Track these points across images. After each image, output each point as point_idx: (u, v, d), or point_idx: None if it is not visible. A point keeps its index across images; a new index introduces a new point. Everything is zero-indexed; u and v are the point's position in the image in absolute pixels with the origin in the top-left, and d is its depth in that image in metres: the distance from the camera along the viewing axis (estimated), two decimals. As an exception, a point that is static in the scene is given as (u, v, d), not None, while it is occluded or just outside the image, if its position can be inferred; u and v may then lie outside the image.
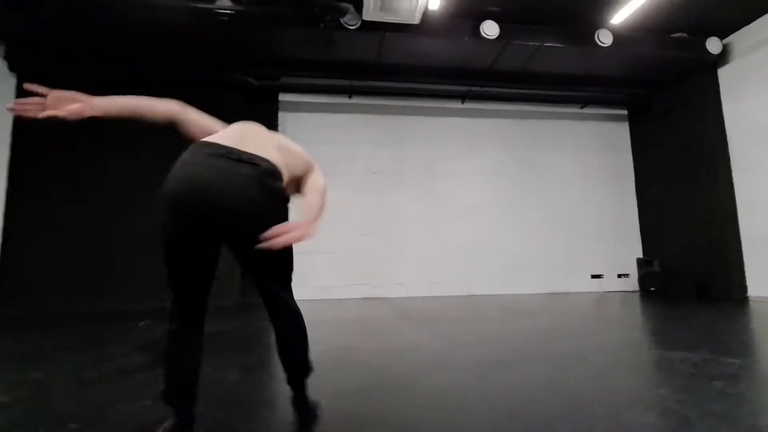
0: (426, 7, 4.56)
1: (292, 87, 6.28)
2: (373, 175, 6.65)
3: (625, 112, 7.51)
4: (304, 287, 6.15)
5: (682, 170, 6.50)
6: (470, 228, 6.85)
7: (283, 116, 6.54)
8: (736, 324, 3.78)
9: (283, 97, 6.49)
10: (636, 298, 6.09)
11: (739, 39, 5.82)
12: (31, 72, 5.42)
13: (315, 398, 1.55)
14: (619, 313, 4.86)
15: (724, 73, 6.04)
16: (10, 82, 5.41)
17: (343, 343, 3.10)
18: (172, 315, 1.32)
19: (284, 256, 1.37)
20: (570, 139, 7.36)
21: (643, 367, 2.36)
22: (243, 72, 5.79)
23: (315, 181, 1.52)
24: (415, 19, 4.76)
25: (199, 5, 4.48)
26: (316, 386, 1.59)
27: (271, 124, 6.28)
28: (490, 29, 5.17)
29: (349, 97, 6.49)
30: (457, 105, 6.82)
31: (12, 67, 5.38)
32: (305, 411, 1.52)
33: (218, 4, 4.53)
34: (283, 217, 1.34)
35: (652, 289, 6.41)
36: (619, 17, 4.91)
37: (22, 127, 5.47)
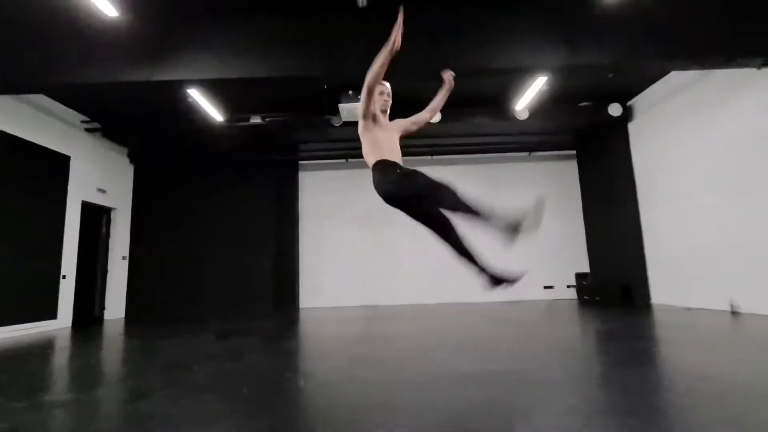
0: (382, 112, 6.87)
1: (306, 156, 8.87)
2: (370, 214, 9.01)
3: (574, 152, 9.21)
4: (320, 297, 8.70)
5: (607, 202, 8.15)
6: (446, 251, 8.94)
7: (302, 175, 9.17)
8: (624, 319, 5.62)
9: (301, 162, 9.12)
10: (574, 305, 7.83)
11: (640, 101, 7.45)
12: (143, 163, 8.55)
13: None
14: (539, 311, 6.74)
15: (632, 127, 7.67)
16: (130, 169, 8.56)
17: (360, 330, 5.46)
18: None
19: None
20: (527, 177, 9.22)
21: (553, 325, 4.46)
22: (271, 152, 8.51)
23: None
24: (378, 118, 7.08)
25: (240, 124, 7.17)
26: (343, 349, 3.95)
27: (293, 181, 9.00)
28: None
29: (346, 160, 8.94)
30: (428, 158, 9.00)
31: (132, 161, 8.51)
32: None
33: (251, 121, 7.20)
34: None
35: (585, 297, 8.09)
36: (520, 104, 6.85)
37: (139, 186, 8.58)
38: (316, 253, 9.01)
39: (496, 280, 2.25)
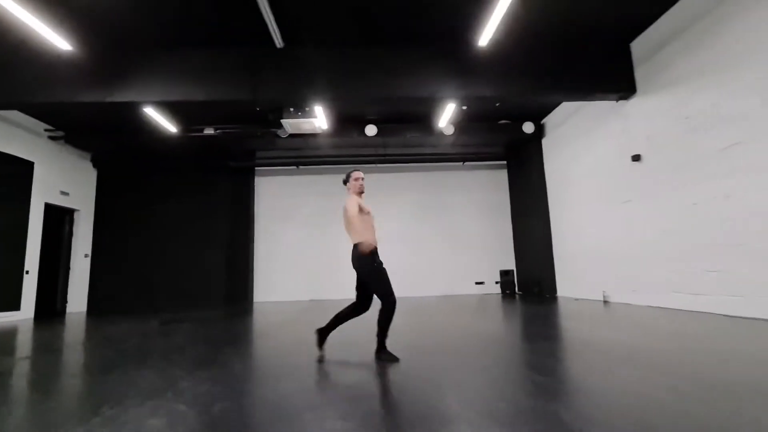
0: (321, 126, 7.76)
1: (261, 163, 9.70)
2: (318, 216, 9.90)
3: (505, 162, 10.29)
4: (272, 292, 9.51)
5: (528, 208, 9.26)
6: (389, 250, 9.85)
7: (258, 180, 9.98)
8: (529, 307, 6.63)
9: (257, 168, 9.93)
10: (498, 298, 8.87)
11: (549, 120, 8.56)
12: (106, 167, 9.20)
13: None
14: (463, 300, 7.73)
15: (545, 142, 8.78)
16: (93, 173, 9.20)
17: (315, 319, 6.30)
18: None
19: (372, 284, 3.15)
20: (462, 184, 10.26)
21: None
22: (228, 159, 9.30)
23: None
24: (319, 131, 7.97)
25: (195, 134, 7.94)
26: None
27: (249, 185, 9.77)
28: (370, 131, 8.30)
29: (297, 167, 9.80)
30: (373, 166, 9.93)
31: (95, 166, 9.16)
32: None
33: (205, 132, 7.98)
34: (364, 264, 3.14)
35: (507, 291, 9.16)
36: (442, 122, 7.85)
37: (102, 189, 9.23)
38: (269, 251, 9.82)
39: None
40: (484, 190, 10.29)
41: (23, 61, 5.49)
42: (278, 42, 4.99)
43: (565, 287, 8.12)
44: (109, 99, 5.58)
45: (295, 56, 5.54)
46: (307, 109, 7.28)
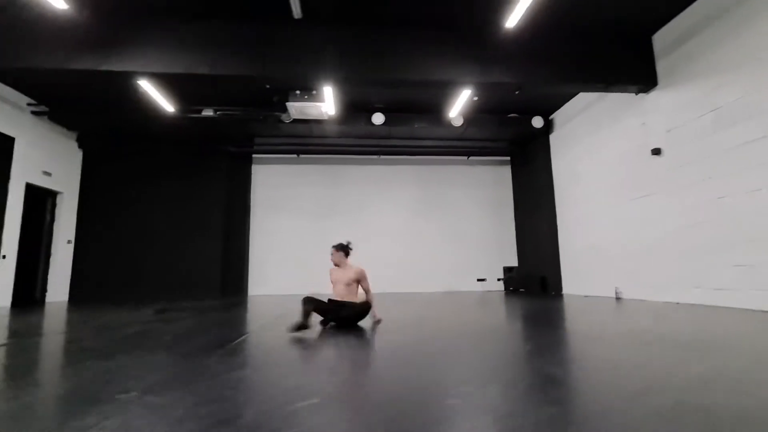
0: (328, 112, 7.43)
1: (260, 150, 9.29)
2: (317, 207, 9.54)
3: (509, 158, 10.16)
4: (266, 285, 9.10)
5: (532, 204, 9.13)
6: (389, 244, 9.61)
7: (255, 168, 9.56)
8: (541, 305, 6.43)
9: (255, 156, 9.52)
10: (500, 295, 8.69)
11: (559, 115, 8.46)
12: (92, 148, 8.65)
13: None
14: (466, 296, 7.50)
15: (553, 138, 8.67)
16: (78, 153, 8.62)
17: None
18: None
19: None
20: (465, 179, 10.08)
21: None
22: (226, 143, 8.85)
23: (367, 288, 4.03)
24: (325, 117, 7.64)
25: (192, 115, 7.49)
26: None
27: (246, 173, 9.36)
28: (377, 119, 8.02)
29: (298, 156, 9.43)
30: (374, 158, 9.65)
31: (80, 146, 8.58)
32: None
33: (203, 114, 7.55)
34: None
35: (510, 288, 9.01)
36: (453, 112, 7.64)
37: (88, 171, 8.65)
38: (265, 243, 9.41)
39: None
40: (487, 186, 10.13)
41: (6, 22, 5.00)
42: (296, 12, 4.66)
43: (571, 284, 8.00)
44: (104, 67, 5.13)
45: (309, 32, 5.21)
46: (314, 92, 6.95)
